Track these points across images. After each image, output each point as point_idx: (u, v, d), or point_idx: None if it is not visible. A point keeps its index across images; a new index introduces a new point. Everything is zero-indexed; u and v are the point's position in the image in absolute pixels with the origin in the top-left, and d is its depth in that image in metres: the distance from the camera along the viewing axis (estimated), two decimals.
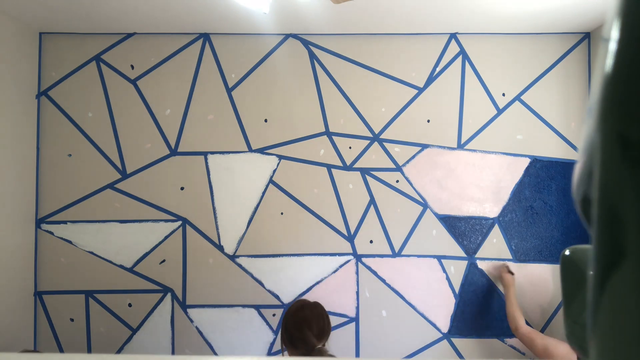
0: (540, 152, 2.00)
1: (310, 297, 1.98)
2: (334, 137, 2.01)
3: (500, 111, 2.01)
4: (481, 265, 1.99)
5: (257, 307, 1.98)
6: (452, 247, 1.99)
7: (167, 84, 2.01)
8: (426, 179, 2.00)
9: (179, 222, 1.99)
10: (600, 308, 0.23)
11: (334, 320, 1.97)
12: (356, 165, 2.01)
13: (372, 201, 2.00)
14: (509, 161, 2.00)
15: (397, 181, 2.00)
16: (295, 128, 2.01)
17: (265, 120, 2.01)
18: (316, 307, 1.59)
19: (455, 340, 1.97)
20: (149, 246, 1.98)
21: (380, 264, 1.99)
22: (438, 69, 2.02)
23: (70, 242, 1.98)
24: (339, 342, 1.97)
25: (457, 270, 1.99)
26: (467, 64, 2.02)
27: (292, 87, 2.01)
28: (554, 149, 2.00)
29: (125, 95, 2.01)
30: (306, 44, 2.02)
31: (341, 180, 2.00)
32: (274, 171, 2.00)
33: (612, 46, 0.23)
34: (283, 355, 1.57)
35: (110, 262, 1.98)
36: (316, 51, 2.02)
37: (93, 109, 2.00)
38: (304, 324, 1.50)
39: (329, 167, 2.01)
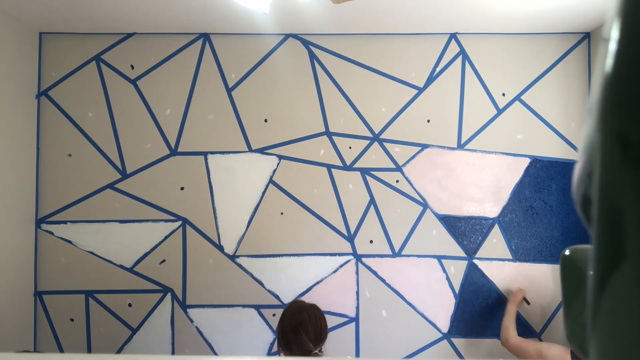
0: (540, 152, 2.00)
1: (310, 297, 1.98)
2: (334, 137, 2.01)
3: (500, 111, 2.01)
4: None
5: (257, 307, 1.98)
6: (452, 247, 1.99)
7: (167, 84, 2.01)
8: (426, 179, 2.00)
9: (179, 222, 1.99)
10: (600, 308, 0.23)
11: (334, 320, 1.97)
12: (356, 165, 2.01)
13: (372, 201, 2.00)
14: (509, 161, 2.00)
15: (397, 181, 2.00)
16: (295, 128, 2.01)
17: (265, 120, 2.01)
18: (313, 309, 1.53)
19: (455, 340, 1.97)
20: (149, 246, 1.98)
21: (380, 264, 1.99)
22: (438, 69, 2.02)
23: (70, 242, 1.98)
24: (339, 342, 1.97)
25: (457, 270, 1.99)
26: (467, 64, 2.02)
27: (292, 87, 2.01)
28: (554, 149, 2.00)
29: (125, 95, 2.01)
30: (306, 44, 2.02)
31: (341, 180, 2.00)
32: (274, 171, 2.00)
33: (612, 46, 0.23)
34: (280, 355, 1.57)
35: (110, 262, 1.98)
36: (316, 51, 2.02)
37: (93, 109, 2.00)
38: (300, 327, 1.45)
39: (329, 167, 2.01)
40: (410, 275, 1.98)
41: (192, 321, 1.98)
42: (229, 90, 2.01)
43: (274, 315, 1.97)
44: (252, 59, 2.02)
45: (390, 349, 1.97)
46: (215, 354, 1.96)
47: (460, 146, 2.01)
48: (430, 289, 1.98)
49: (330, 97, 2.02)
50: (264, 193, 2.00)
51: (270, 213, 1.99)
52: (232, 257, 1.99)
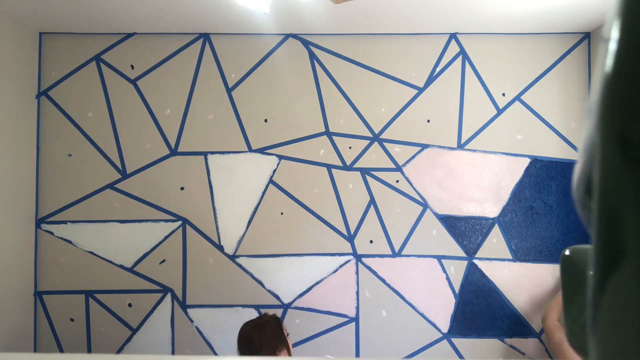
0: (540, 152, 2.00)
1: (310, 297, 1.98)
2: (334, 137, 2.01)
3: (500, 111, 2.01)
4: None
5: (257, 307, 1.98)
6: (452, 247, 1.99)
7: (167, 84, 2.01)
8: (426, 179, 2.00)
9: (179, 222, 1.99)
10: (600, 308, 0.23)
11: (334, 320, 1.97)
12: (356, 165, 2.01)
13: (372, 201, 2.00)
14: (509, 161, 2.00)
15: (397, 181, 2.00)
16: (295, 128, 2.01)
17: (265, 120, 2.01)
18: (264, 327, 1.58)
19: (455, 340, 1.97)
20: (149, 246, 1.98)
21: (380, 264, 1.99)
22: (438, 69, 2.02)
23: (70, 242, 1.98)
24: (338, 342, 1.97)
25: (457, 270, 1.99)
26: (467, 64, 2.02)
27: (292, 87, 2.01)
28: (554, 149, 2.00)
29: (125, 95, 2.01)
30: (306, 44, 2.02)
31: (341, 180, 2.00)
32: (274, 171, 2.00)
33: (612, 46, 0.23)
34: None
35: (110, 262, 1.98)
36: (316, 51, 2.02)
37: (93, 109, 2.00)
38: (253, 348, 1.54)
39: (329, 167, 2.01)
40: (410, 275, 1.98)
41: (192, 321, 1.98)
42: (229, 90, 2.01)
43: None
44: (252, 59, 2.02)
45: (390, 349, 1.97)
46: (215, 354, 1.97)
47: (460, 146, 2.01)
48: (430, 289, 1.98)
49: (330, 97, 2.02)
50: (264, 193, 2.00)
51: (270, 213, 1.99)
52: (232, 257, 1.99)
